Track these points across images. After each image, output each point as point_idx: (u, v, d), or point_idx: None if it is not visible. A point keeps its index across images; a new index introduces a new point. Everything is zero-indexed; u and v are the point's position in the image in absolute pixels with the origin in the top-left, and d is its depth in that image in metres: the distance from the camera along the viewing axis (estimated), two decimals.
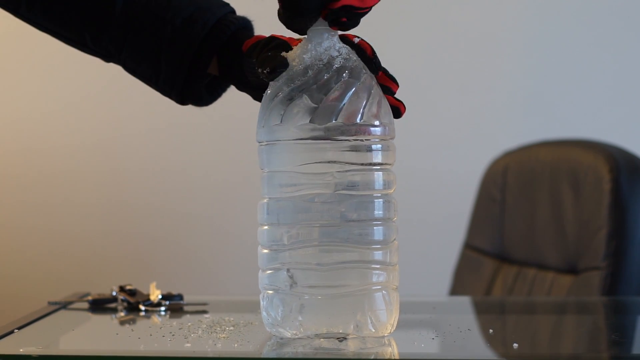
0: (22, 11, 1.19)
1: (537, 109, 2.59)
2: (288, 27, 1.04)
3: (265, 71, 1.02)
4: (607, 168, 1.75)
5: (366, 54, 1.04)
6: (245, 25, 1.16)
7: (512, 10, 2.59)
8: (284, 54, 1.03)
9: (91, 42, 1.18)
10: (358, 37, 1.05)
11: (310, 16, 1.02)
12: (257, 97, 1.13)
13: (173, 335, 1.10)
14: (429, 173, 2.59)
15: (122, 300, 1.32)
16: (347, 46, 1.04)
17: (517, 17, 2.59)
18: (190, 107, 1.22)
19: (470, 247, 2.06)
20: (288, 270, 1.01)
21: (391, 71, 1.06)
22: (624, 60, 2.59)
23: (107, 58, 1.19)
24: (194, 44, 1.14)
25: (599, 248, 1.73)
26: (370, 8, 1.03)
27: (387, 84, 1.05)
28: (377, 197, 1.02)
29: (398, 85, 1.06)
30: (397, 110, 1.05)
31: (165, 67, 1.15)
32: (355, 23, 1.04)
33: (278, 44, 1.05)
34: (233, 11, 1.18)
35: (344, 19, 1.03)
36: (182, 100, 1.19)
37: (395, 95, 1.06)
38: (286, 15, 1.03)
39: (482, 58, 2.59)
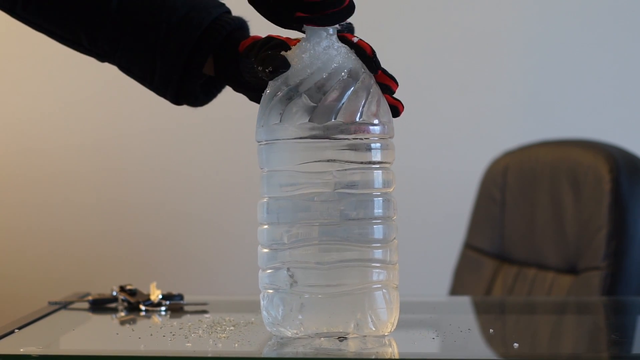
0: (17, 10, 1.19)
1: (537, 109, 2.59)
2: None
3: (267, 70, 1.02)
4: (607, 168, 1.75)
5: (366, 54, 1.04)
6: (241, 25, 1.16)
7: (512, 10, 2.59)
8: (283, 53, 1.03)
9: (87, 41, 1.18)
10: (357, 37, 1.05)
11: (262, 8, 1.03)
12: (254, 97, 1.13)
13: (173, 335, 1.10)
14: (429, 173, 2.59)
15: (123, 300, 1.32)
16: (345, 46, 1.04)
17: (517, 17, 2.59)
18: (189, 108, 1.22)
19: (470, 247, 2.06)
20: (288, 269, 1.01)
21: (391, 71, 1.06)
22: (624, 61, 2.59)
23: (102, 58, 1.19)
24: (189, 44, 1.14)
25: (599, 248, 1.73)
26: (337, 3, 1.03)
27: (387, 82, 1.05)
28: (377, 196, 1.02)
29: (397, 84, 1.06)
30: (396, 109, 1.05)
31: (160, 67, 1.15)
32: (329, 18, 1.03)
33: (277, 44, 1.05)
34: (229, 11, 1.18)
35: (301, 14, 1.02)
36: (177, 101, 1.18)
37: (394, 95, 1.06)
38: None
39: (482, 58, 2.59)
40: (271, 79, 1.03)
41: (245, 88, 1.14)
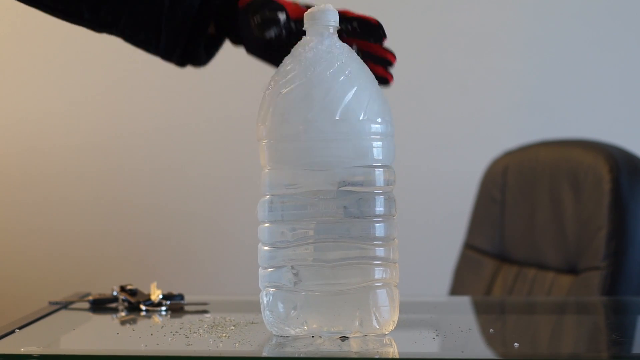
0: None
1: (537, 109, 2.59)
2: None
3: (264, 32, 1.06)
4: (607, 168, 1.75)
5: (371, 24, 1.06)
6: None
7: (512, 10, 2.59)
8: (279, 16, 1.07)
9: (88, 12, 1.19)
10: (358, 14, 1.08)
11: None
12: (251, 49, 1.16)
13: (174, 335, 1.10)
14: (429, 173, 2.59)
15: (123, 300, 1.32)
16: (346, 45, 1.05)
17: (517, 17, 2.59)
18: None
19: (470, 247, 2.06)
20: (292, 267, 1.01)
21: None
22: (624, 60, 2.59)
23: (102, 28, 1.22)
24: (194, 7, 1.17)
25: (599, 248, 1.73)
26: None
27: (386, 55, 1.08)
28: (379, 194, 1.02)
29: (395, 57, 1.08)
30: (385, 79, 1.08)
31: (166, 31, 1.18)
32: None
33: (275, 7, 1.09)
34: None
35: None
36: (182, 62, 1.22)
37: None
38: None
39: (482, 58, 2.60)
40: (262, 35, 1.06)
41: (243, 41, 1.18)
